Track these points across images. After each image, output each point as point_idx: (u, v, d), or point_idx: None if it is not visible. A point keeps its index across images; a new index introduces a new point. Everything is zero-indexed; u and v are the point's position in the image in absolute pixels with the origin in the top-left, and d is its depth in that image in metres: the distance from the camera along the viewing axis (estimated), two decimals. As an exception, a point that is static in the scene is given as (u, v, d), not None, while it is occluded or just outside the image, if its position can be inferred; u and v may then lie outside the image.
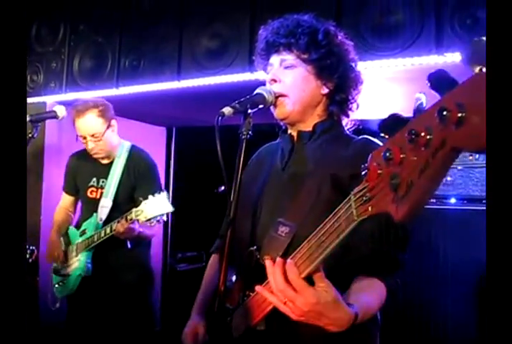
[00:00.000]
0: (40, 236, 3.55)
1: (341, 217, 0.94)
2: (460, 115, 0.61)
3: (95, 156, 2.89)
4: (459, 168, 2.87)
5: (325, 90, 1.44)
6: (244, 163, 1.30)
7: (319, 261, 0.99)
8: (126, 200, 2.86)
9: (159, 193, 2.46)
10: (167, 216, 2.68)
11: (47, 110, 2.58)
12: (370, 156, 0.84)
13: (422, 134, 0.68)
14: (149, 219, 2.45)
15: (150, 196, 2.46)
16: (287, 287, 1.04)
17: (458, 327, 2.78)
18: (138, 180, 2.89)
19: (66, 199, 3.11)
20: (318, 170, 1.34)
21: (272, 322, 1.24)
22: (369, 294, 1.23)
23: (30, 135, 2.16)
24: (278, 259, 1.07)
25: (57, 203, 3.38)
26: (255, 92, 1.37)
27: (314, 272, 1.01)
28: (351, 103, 1.48)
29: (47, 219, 3.51)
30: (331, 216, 0.96)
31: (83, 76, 3.42)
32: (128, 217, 2.52)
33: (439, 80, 0.62)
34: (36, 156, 3.61)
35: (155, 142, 4.59)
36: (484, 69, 0.56)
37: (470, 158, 2.80)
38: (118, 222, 2.56)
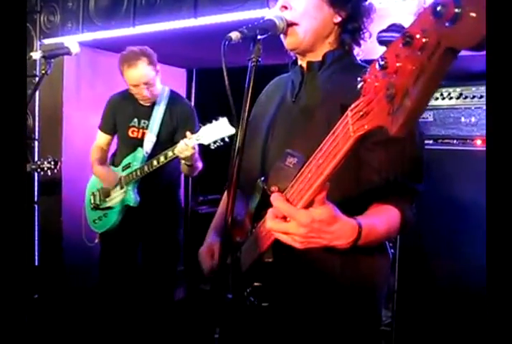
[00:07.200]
0: (62, 179, 3.63)
1: (338, 135, 0.89)
2: (456, 10, 0.56)
3: (145, 103, 2.98)
4: (484, 108, 2.76)
5: (338, 19, 1.38)
6: (253, 92, 1.25)
7: (318, 184, 0.95)
8: (167, 140, 2.96)
9: (218, 119, 2.53)
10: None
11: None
12: (368, 69, 0.80)
13: (418, 36, 0.62)
14: (214, 141, 2.53)
15: (207, 123, 2.54)
16: (276, 218, 1.04)
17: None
18: (180, 124, 2.99)
19: (102, 138, 3.16)
20: (329, 101, 1.30)
21: (281, 253, 1.22)
22: (377, 215, 1.21)
23: (43, 72, 2.14)
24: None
25: (77, 143, 3.55)
26: (266, 18, 1.31)
27: (316, 196, 0.98)
28: (363, 32, 1.42)
29: (69, 160, 3.57)
30: (329, 135, 0.92)
31: (99, 15, 3.37)
32: (190, 141, 2.57)
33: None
34: (54, 96, 3.62)
35: (175, 83, 4.52)
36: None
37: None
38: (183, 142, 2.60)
